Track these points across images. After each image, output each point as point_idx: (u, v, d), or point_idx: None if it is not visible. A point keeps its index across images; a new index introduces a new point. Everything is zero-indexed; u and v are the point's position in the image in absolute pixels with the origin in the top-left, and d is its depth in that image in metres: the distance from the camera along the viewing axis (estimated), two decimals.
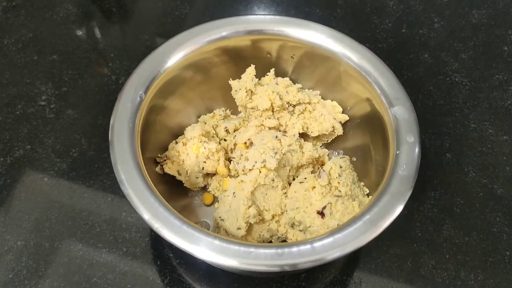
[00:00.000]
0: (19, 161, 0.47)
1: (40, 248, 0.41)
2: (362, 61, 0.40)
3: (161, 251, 0.42)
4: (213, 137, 0.44)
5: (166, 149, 0.43)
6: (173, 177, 0.42)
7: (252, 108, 0.43)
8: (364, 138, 0.43)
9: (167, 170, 0.42)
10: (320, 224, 0.37)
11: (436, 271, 0.42)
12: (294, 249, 0.30)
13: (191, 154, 0.41)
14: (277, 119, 0.44)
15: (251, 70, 0.43)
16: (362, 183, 0.40)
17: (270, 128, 0.44)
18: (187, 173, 0.42)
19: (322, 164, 0.44)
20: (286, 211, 0.39)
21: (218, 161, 0.42)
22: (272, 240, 0.40)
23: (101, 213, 0.43)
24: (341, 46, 0.41)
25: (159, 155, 0.42)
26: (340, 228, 0.31)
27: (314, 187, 0.38)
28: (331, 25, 0.42)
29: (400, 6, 0.62)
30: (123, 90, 0.37)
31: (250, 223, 0.38)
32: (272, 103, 0.42)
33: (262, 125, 0.44)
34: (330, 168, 0.39)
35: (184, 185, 0.42)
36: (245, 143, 0.43)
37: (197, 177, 0.42)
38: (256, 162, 0.38)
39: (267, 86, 0.42)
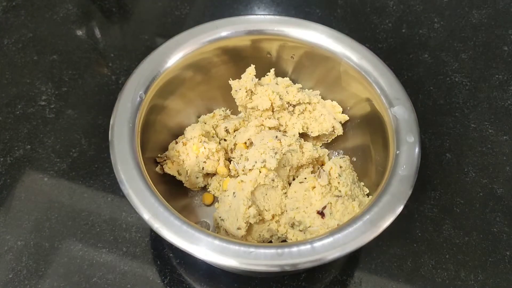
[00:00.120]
0: (19, 161, 0.47)
1: (40, 248, 0.41)
2: (362, 61, 0.40)
3: (161, 251, 0.42)
4: (213, 137, 0.44)
5: (166, 149, 0.43)
6: (173, 177, 0.42)
7: (252, 108, 0.43)
8: (364, 138, 0.43)
9: (167, 170, 0.42)
10: (320, 224, 0.37)
11: (436, 271, 0.42)
12: (294, 249, 0.30)
13: (191, 154, 0.41)
14: (277, 119, 0.44)
15: (251, 70, 0.42)
16: (362, 183, 0.40)
17: (270, 128, 0.44)
18: (187, 173, 0.42)
19: (322, 164, 0.44)
20: (286, 211, 0.39)
21: (218, 161, 0.42)
22: (272, 240, 0.40)
23: (101, 213, 0.43)
24: (341, 46, 0.41)
25: (159, 155, 0.42)
26: (340, 228, 0.31)
27: (314, 187, 0.38)
28: (331, 25, 0.42)
29: (400, 6, 0.62)
30: (123, 90, 0.37)
31: (250, 223, 0.38)
32: (272, 103, 0.42)
33: (262, 125, 0.44)
34: (330, 168, 0.39)
35: (184, 185, 0.42)
36: (245, 143, 0.43)
37: (197, 177, 0.42)
38: (256, 162, 0.38)
39: (267, 86, 0.42)
